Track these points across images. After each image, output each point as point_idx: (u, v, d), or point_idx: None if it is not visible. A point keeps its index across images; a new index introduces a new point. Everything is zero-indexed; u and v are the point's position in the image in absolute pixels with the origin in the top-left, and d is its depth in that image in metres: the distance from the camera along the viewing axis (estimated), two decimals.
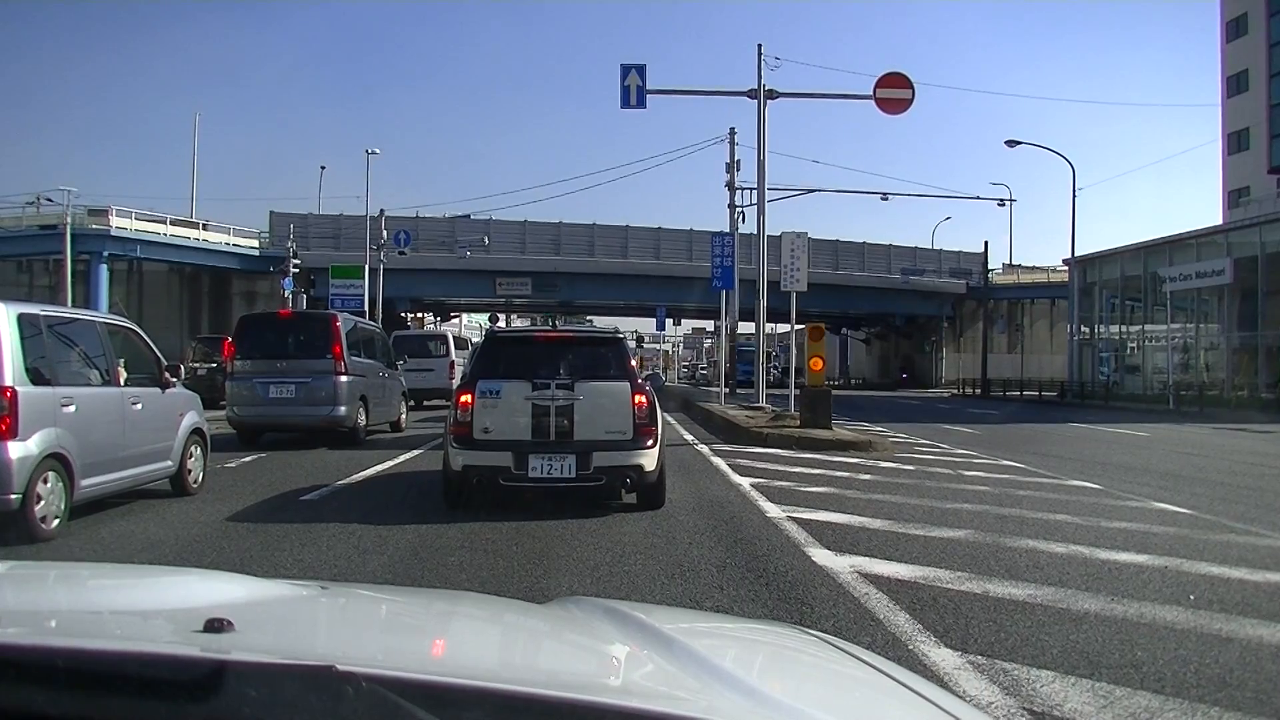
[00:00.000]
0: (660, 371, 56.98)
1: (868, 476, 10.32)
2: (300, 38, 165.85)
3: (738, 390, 28.02)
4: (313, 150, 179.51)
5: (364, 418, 14.25)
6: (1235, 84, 48.44)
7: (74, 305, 41.65)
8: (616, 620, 1.49)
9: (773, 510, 7.74)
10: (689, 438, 15.89)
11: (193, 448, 8.59)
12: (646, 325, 63.98)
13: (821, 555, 5.89)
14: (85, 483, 6.81)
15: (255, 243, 48.80)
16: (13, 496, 6.02)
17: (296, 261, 41.23)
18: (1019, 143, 39.38)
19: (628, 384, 7.71)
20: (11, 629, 1.23)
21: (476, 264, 45.85)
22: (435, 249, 46.51)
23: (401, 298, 47.62)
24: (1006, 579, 5.27)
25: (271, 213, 49.18)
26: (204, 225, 48.09)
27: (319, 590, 1.76)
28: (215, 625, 1.11)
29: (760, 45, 19.63)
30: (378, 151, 45.63)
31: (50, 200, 42.85)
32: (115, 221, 43.27)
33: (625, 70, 19.04)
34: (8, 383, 6.15)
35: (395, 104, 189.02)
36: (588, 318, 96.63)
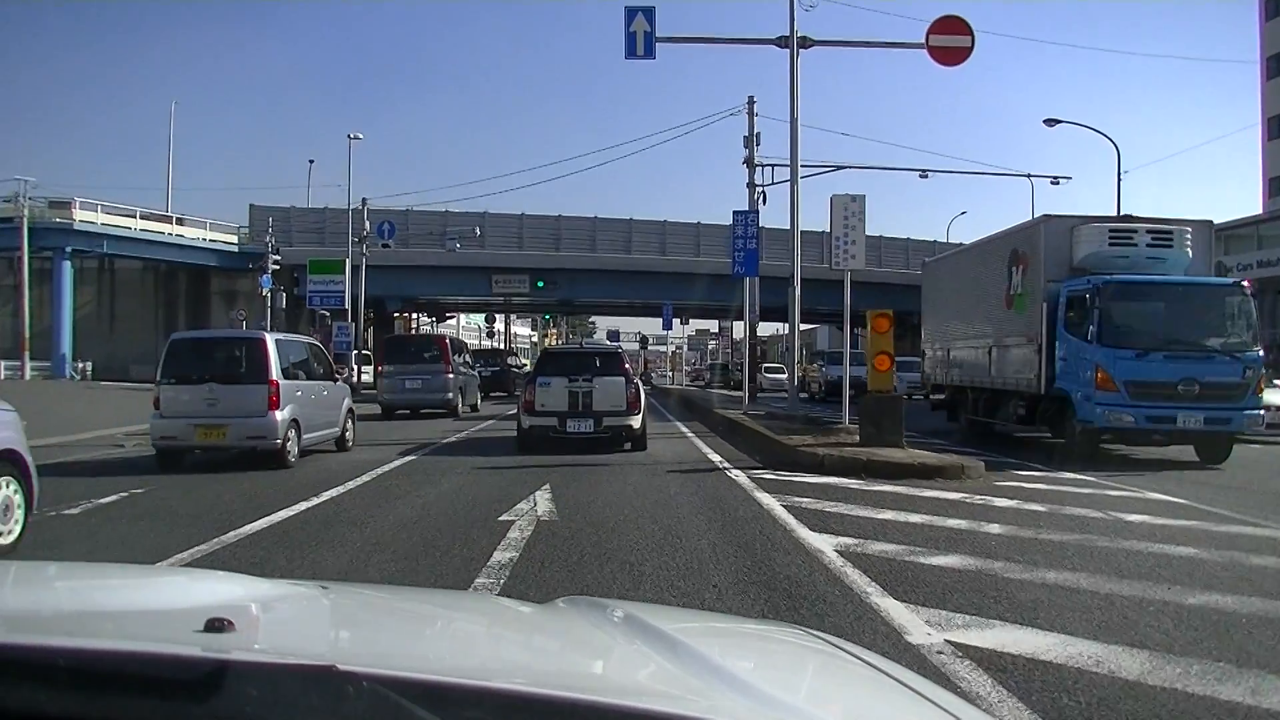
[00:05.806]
0: (658, 372, 55.33)
1: (997, 529, 6.98)
2: (294, 33, 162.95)
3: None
4: (306, 145, 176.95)
5: (462, 401, 22.80)
6: (1275, 65, 45.25)
7: (33, 305, 38.55)
8: (617, 620, 1.45)
9: (915, 628, 4.31)
10: (715, 458, 12.42)
11: (348, 421, 13.57)
12: (650, 324, 60.78)
13: None
14: (305, 438, 11.74)
15: (234, 238, 45.30)
16: (277, 441, 11.03)
17: (277, 258, 37.97)
18: (1059, 121, 36.17)
19: (623, 379, 13.24)
20: (12, 629, 1.20)
21: (471, 260, 42.35)
22: (428, 244, 42.99)
23: (392, 296, 44.27)
24: None
25: (251, 206, 45.59)
26: (178, 220, 44.57)
27: (319, 590, 1.71)
28: (216, 625, 1.09)
29: None
30: (360, 136, 42.27)
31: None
32: (79, 215, 39.72)
33: (630, 13, 15.95)
34: (274, 378, 11.10)
35: (389, 96, 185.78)
36: (591, 319, 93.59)
